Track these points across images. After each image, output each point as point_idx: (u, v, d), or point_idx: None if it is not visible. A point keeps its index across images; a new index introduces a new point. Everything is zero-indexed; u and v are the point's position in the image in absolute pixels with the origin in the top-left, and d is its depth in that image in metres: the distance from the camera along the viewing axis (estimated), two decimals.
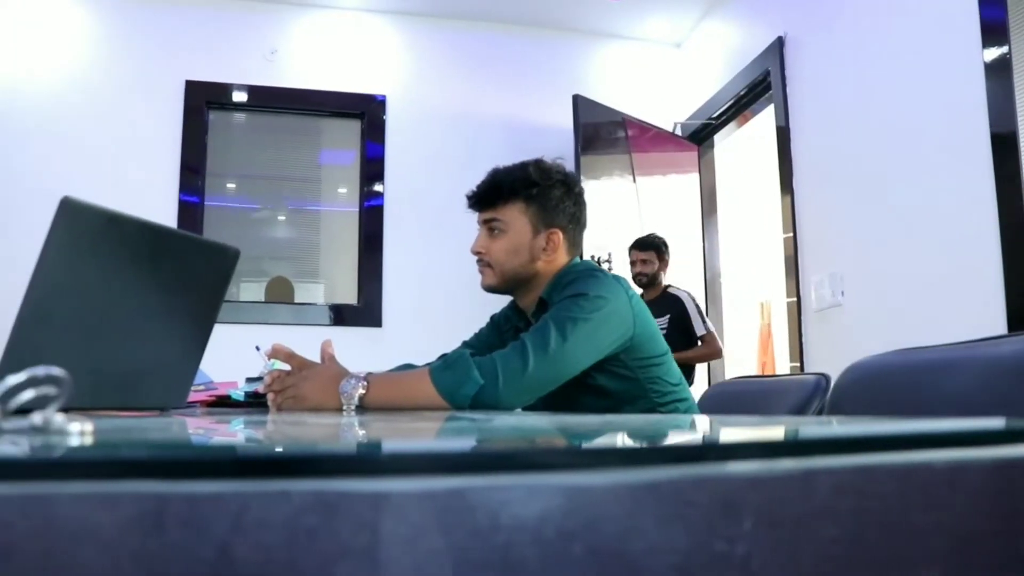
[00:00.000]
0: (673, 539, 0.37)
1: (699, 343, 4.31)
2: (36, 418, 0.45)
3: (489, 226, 1.98)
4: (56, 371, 0.44)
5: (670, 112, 5.03)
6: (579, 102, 4.45)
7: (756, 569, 0.38)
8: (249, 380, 2.27)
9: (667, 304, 4.36)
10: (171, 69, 4.62)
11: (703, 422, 0.93)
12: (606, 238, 4.41)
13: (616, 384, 1.86)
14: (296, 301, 4.71)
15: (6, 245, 4.15)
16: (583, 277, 1.86)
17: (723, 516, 0.38)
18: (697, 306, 4.37)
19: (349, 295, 4.71)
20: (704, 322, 4.35)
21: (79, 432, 0.43)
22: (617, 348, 1.83)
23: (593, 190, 4.36)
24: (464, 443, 0.60)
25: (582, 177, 4.27)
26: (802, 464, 0.40)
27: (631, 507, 0.36)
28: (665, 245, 4.44)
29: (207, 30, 4.71)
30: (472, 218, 2.06)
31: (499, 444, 0.56)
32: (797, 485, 0.39)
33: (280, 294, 4.70)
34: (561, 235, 1.96)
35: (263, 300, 4.67)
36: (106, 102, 4.53)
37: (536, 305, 1.96)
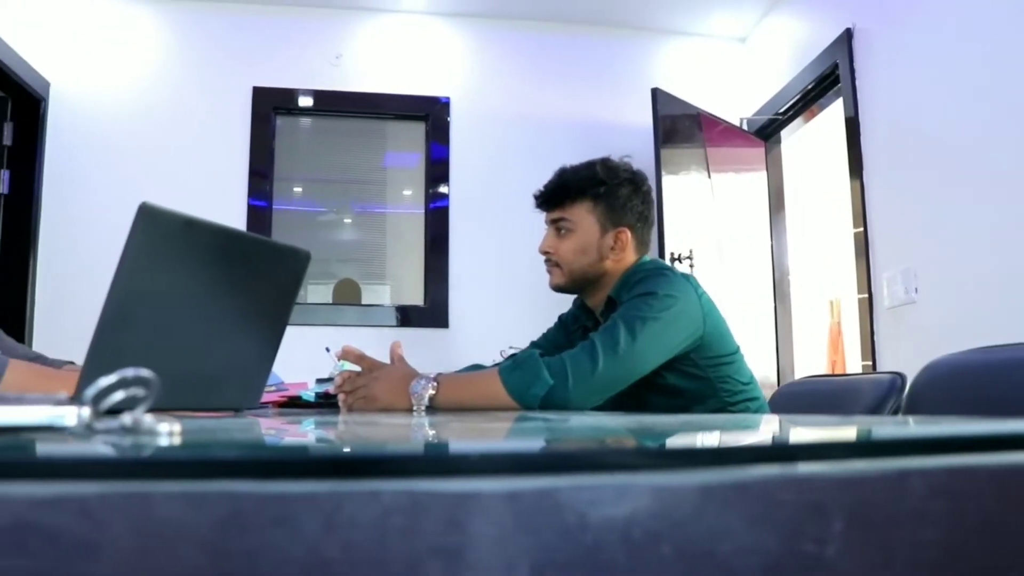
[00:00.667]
0: (762, 540, 0.36)
1: None
2: (126, 419, 0.46)
3: (557, 226, 1.98)
4: (145, 373, 0.45)
5: (736, 108, 4.97)
6: (657, 95, 4.40)
7: (847, 571, 0.37)
8: (319, 381, 2.31)
9: None
10: (238, 76, 4.71)
11: (789, 422, 0.91)
12: (686, 234, 4.33)
13: (686, 383, 1.85)
14: (363, 303, 4.76)
15: (84, 249, 4.27)
16: (652, 276, 1.85)
17: (813, 517, 0.37)
18: None
19: (415, 296, 4.75)
20: None
21: (168, 432, 0.44)
22: (687, 347, 1.82)
23: (671, 185, 4.31)
24: (551, 443, 0.60)
25: (662, 172, 4.23)
26: (894, 465, 0.39)
27: (719, 507, 0.36)
28: None
29: (273, 37, 4.78)
30: (539, 218, 2.06)
31: (586, 444, 0.56)
32: (889, 486, 0.38)
33: (347, 296, 4.75)
34: (629, 234, 1.95)
35: (331, 302, 4.72)
36: (177, 110, 4.63)
37: (604, 304, 1.95)
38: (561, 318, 2.21)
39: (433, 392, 1.64)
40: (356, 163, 4.93)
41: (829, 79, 4.15)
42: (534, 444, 0.59)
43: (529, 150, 4.73)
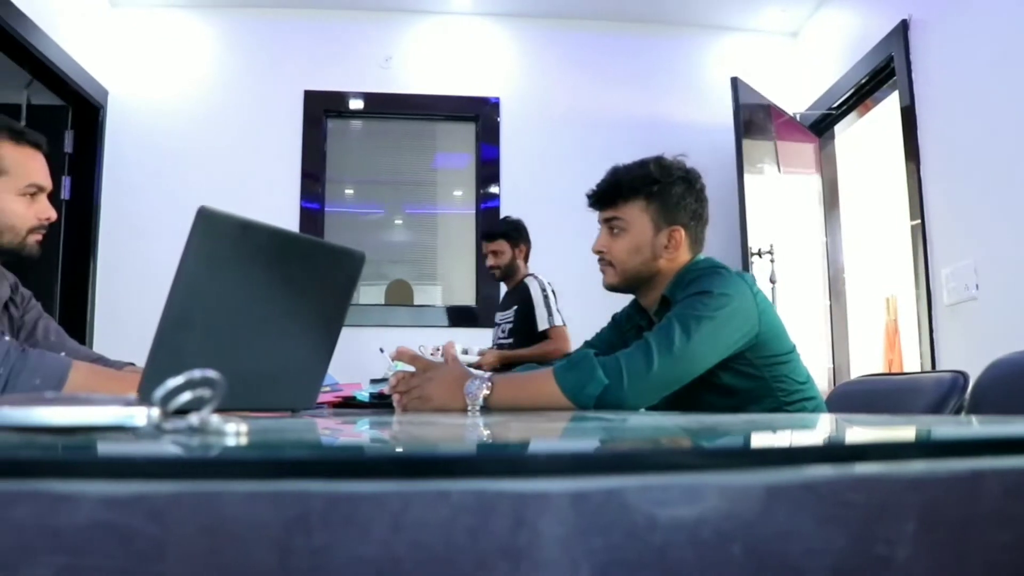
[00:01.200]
0: (832, 541, 0.36)
1: (546, 338, 3.80)
2: (193, 419, 0.47)
3: (610, 225, 1.97)
4: (211, 374, 0.46)
5: (789, 104, 4.91)
6: (738, 86, 4.32)
7: (919, 574, 0.36)
8: (373, 381, 2.32)
9: (517, 295, 4.00)
10: (290, 81, 4.77)
11: (856, 422, 0.90)
12: (765, 229, 4.28)
13: (741, 382, 1.83)
14: (415, 303, 4.79)
15: (141, 251, 4.36)
16: (707, 275, 1.83)
17: (884, 518, 0.36)
18: (546, 296, 3.89)
19: (467, 296, 4.76)
20: (551, 315, 3.86)
21: (235, 432, 0.44)
22: (742, 346, 1.80)
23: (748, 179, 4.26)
24: (617, 443, 0.60)
25: (745, 165, 4.19)
26: (967, 465, 0.38)
27: (788, 508, 0.35)
28: (517, 229, 4.06)
29: (323, 42, 4.84)
30: (592, 217, 2.05)
31: (653, 444, 0.55)
32: (963, 487, 0.37)
33: (400, 297, 4.78)
34: (683, 232, 1.93)
35: (383, 303, 4.76)
36: (230, 115, 4.71)
37: (658, 303, 1.93)
38: (615, 318, 2.20)
39: (487, 392, 1.64)
40: (406, 164, 4.96)
41: (884, 72, 4.08)
42: (601, 444, 0.59)
43: (580, 149, 4.73)
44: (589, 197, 2.01)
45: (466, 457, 0.39)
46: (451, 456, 0.40)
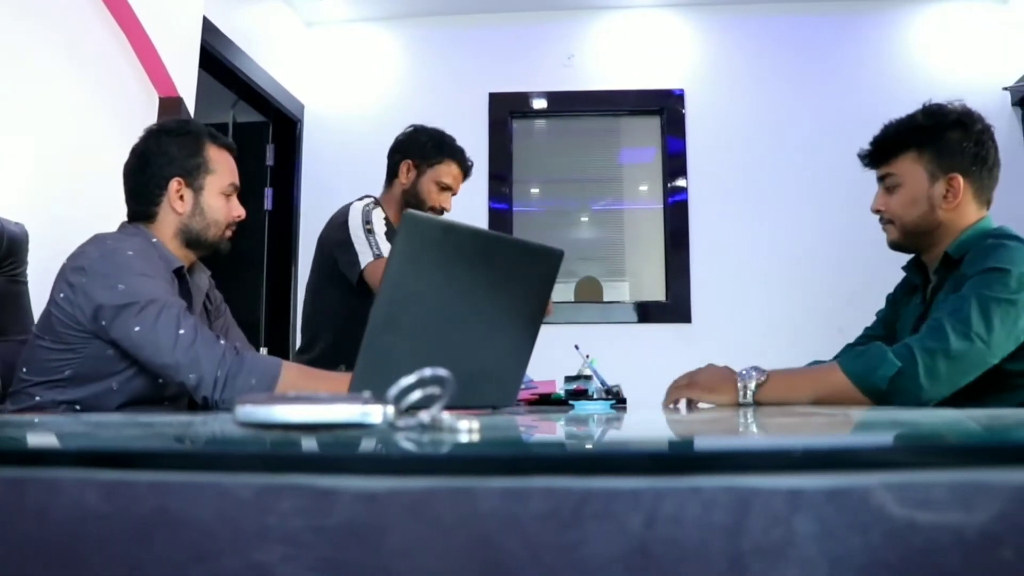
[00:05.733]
0: None
1: None
2: (424, 416, 0.48)
3: (885, 183, 1.89)
4: (442, 372, 0.47)
5: (996, 76, 4.57)
6: None
7: None
8: (568, 379, 2.34)
9: None
10: (475, 84, 4.87)
11: None
12: None
13: None
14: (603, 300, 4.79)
15: None
16: (1007, 247, 1.67)
17: None
18: None
19: (656, 292, 4.71)
20: None
21: (468, 430, 0.45)
22: None
23: None
24: (875, 437, 0.57)
25: None
26: None
27: None
28: None
29: (506, 44, 4.91)
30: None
31: (910, 438, 0.53)
32: None
33: (589, 294, 4.79)
34: (963, 180, 1.79)
35: (571, 300, 4.78)
36: (420, 121, 4.83)
37: (939, 261, 1.82)
38: (888, 298, 2.09)
39: (762, 380, 1.59)
40: (592, 161, 4.97)
41: None
42: (854, 439, 0.57)
43: (770, 137, 4.57)
44: (862, 158, 1.93)
45: (718, 453, 0.39)
46: (703, 452, 0.39)
